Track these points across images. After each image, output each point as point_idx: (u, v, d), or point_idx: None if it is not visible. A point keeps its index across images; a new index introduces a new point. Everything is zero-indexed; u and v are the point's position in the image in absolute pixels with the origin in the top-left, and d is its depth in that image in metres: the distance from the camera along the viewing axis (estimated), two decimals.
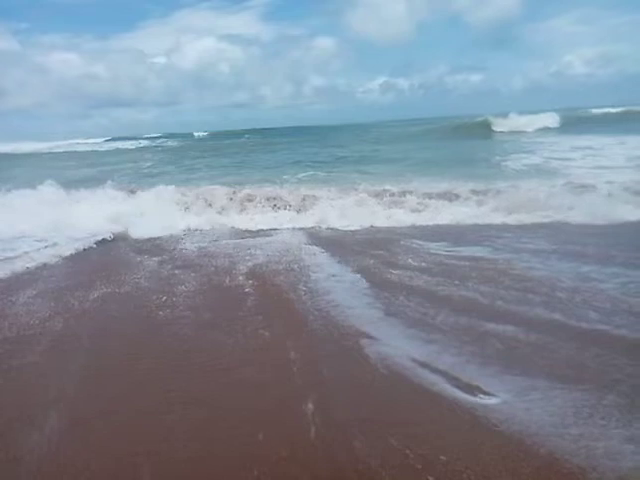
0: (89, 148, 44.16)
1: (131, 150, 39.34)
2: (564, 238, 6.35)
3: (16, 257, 6.57)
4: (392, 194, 9.00)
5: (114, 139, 67.15)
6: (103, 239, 7.71)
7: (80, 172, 19.83)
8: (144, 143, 49.93)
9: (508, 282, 4.76)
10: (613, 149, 15.52)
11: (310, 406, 2.92)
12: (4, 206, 9.34)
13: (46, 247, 7.05)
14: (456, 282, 4.82)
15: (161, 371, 3.51)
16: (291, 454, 2.55)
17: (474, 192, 8.78)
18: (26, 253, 6.74)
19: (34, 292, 5.25)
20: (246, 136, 55.77)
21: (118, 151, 38.89)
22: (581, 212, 7.28)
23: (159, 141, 53.80)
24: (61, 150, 41.37)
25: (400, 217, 8.12)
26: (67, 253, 6.87)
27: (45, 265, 6.36)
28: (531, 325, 3.81)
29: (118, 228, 8.18)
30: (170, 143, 47.87)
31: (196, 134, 70.97)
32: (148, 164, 22.96)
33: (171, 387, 3.28)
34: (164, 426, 2.87)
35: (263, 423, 2.82)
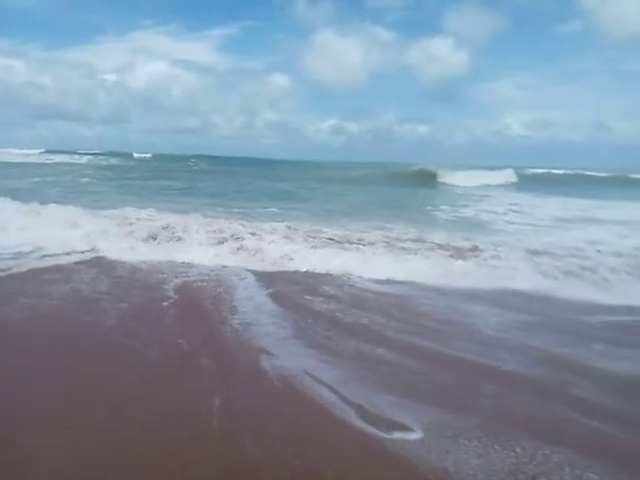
0: (21, 159, 41.84)
1: (67, 164, 38.01)
2: (473, 286, 6.75)
3: None
4: (332, 236, 8.86)
5: (48, 151, 63.54)
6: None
7: (8, 183, 18.91)
8: (85, 159, 48.23)
9: (400, 314, 5.28)
10: (542, 208, 16.54)
11: (215, 405, 3.27)
12: None
13: None
14: (354, 311, 5.31)
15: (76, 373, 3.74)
16: (193, 447, 2.85)
17: (413, 240, 8.81)
18: None
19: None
20: (192, 160, 54.91)
21: (53, 164, 37.50)
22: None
23: (101, 158, 52.20)
24: None
25: (334, 258, 7.74)
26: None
27: None
28: (409, 351, 4.31)
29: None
30: (112, 161, 46.70)
31: (136, 155, 65.94)
32: (85, 180, 22.36)
33: (82, 391, 3.45)
34: (69, 428, 2.98)
35: (171, 418, 3.16)
